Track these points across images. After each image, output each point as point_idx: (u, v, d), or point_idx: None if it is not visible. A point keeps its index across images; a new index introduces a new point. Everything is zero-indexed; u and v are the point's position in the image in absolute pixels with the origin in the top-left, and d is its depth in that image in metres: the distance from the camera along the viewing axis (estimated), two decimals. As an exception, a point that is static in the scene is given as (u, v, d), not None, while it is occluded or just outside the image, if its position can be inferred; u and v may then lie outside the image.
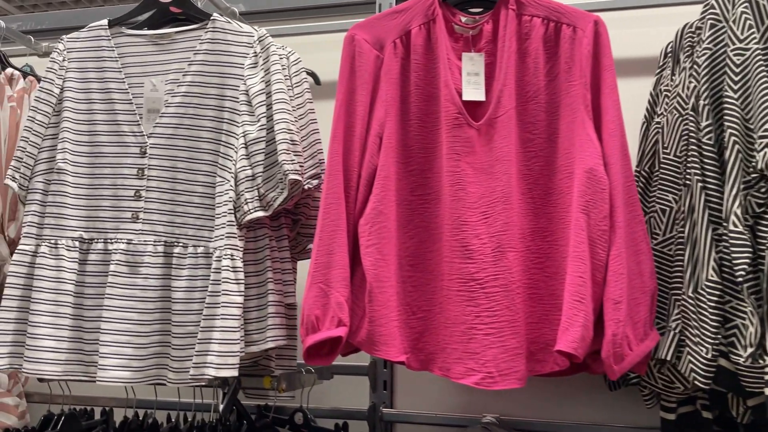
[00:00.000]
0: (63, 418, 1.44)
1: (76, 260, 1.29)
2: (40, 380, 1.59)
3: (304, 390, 1.48)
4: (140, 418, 1.52)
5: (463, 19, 1.25)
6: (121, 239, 1.29)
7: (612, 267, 1.07)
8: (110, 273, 1.26)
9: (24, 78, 1.63)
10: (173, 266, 1.27)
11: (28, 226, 1.29)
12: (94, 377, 1.27)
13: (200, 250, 1.27)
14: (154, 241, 1.28)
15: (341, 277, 1.13)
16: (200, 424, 1.42)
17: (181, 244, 1.28)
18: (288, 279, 1.32)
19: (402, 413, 1.60)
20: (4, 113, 1.49)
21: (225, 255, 1.21)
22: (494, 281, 1.11)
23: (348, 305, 1.12)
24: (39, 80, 1.67)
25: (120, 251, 1.27)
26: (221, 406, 1.25)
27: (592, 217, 1.08)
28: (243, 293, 1.21)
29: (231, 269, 1.20)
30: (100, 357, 1.23)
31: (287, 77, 1.31)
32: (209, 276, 1.25)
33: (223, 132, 1.29)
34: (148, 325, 1.25)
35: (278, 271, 1.29)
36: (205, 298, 1.24)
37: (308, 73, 1.49)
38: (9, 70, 1.61)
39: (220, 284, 1.20)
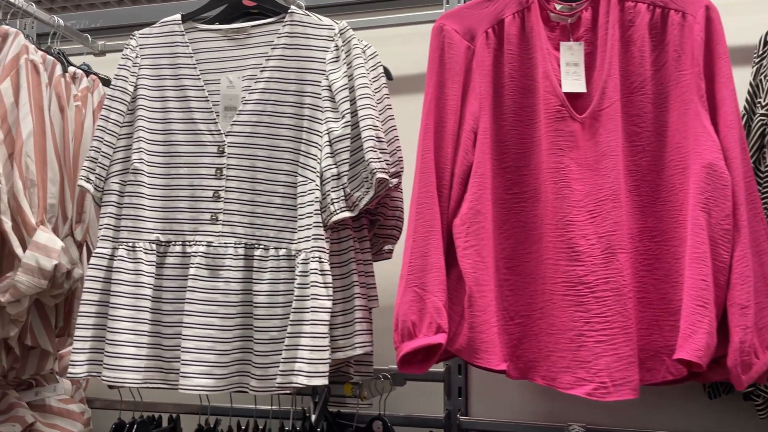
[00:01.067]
0: (136, 426, 1.40)
1: (154, 263, 1.24)
2: (111, 387, 1.56)
3: (381, 397, 1.43)
4: (211, 425, 1.48)
5: (558, 7, 1.18)
6: (200, 242, 1.24)
7: (737, 269, 0.99)
8: (190, 277, 1.22)
9: (86, 76, 1.60)
10: (254, 269, 1.22)
11: (105, 228, 1.25)
12: (174, 385, 1.22)
13: (282, 252, 1.22)
14: (235, 244, 1.23)
15: (438, 280, 1.07)
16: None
17: (262, 246, 1.23)
18: (371, 282, 1.26)
19: (480, 421, 1.53)
20: (71, 113, 1.45)
21: (312, 258, 1.15)
22: (605, 285, 1.04)
23: (446, 310, 1.06)
24: (101, 79, 1.64)
25: (200, 254, 1.23)
26: (313, 416, 1.20)
27: (713, 216, 1.01)
28: (332, 297, 1.15)
29: (319, 272, 1.15)
30: (182, 364, 1.18)
31: (369, 71, 1.25)
32: (292, 279, 1.19)
33: (304, 129, 1.23)
34: (230, 331, 1.20)
35: (362, 273, 1.23)
36: (288, 302, 1.19)
37: (381, 68, 1.44)
38: (71, 68, 1.58)
39: (308, 288, 1.14)
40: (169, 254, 1.25)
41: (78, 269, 1.40)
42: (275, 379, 1.18)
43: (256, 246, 1.23)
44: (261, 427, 1.50)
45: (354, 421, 1.38)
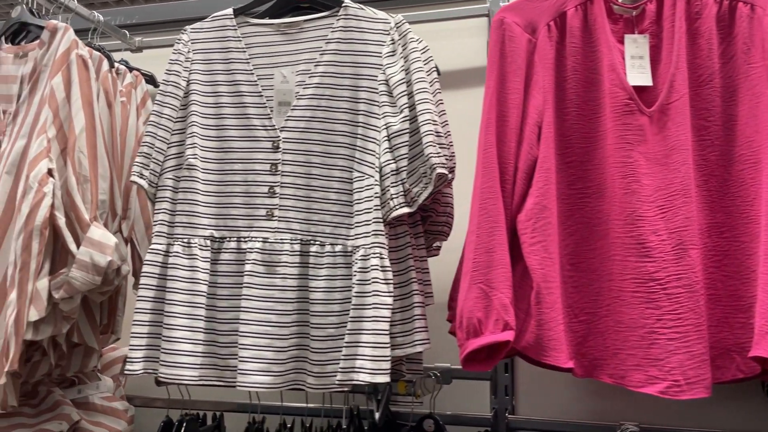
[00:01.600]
0: (185, 424, 1.39)
1: (209, 260, 1.23)
2: (159, 384, 1.55)
3: (429, 395, 1.41)
4: (255, 423, 1.47)
5: (620, -1, 1.16)
6: (255, 238, 1.22)
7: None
8: (246, 273, 1.20)
9: (129, 72, 1.59)
10: (310, 265, 1.21)
11: (159, 224, 1.24)
12: (231, 382, 1.21)
13: (338, 248, 1.20)
14: (291, 240, 1.22)
15: (504, 277, 1.05)
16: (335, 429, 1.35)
17: (318, 243, 1.21)
18: (426, 279, 1.25)
19: (530, 420, 1.52)
20: (117, 108, 1.44)
21: (373, 254, 1.14)
22: (677, 281, 1.02)
23: (512, 307, 1.05)
24: (143, 75, 1.63)
25: (256, 250, 1.21)
26: (377, 414, 1.18)
27: (789, 212, 0.99)
28: (392, 294, 1.14)
29: (380, 269, 1.13)
30: (240, 361, 1.17)
31: (424, 64, 1.23)
32: (349, 276, 1.18)
33: (360, 124, 1.22)
34: (287, 327, 1.19)
35: (419, 270, 1.22)
36: (345, 299, 1.18)
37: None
38: (115, 64, 1.57)
39: (369, 284, 1.13)
40: (223, 250, 1.24)
41: (125, 266, 1.39)
42: (333, 376, 1.17)
43: (312, 242, 1.22)
44: (307, 425, 1.50)
45: (409, 419, 1.36)
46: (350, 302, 1.17)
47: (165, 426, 1.43)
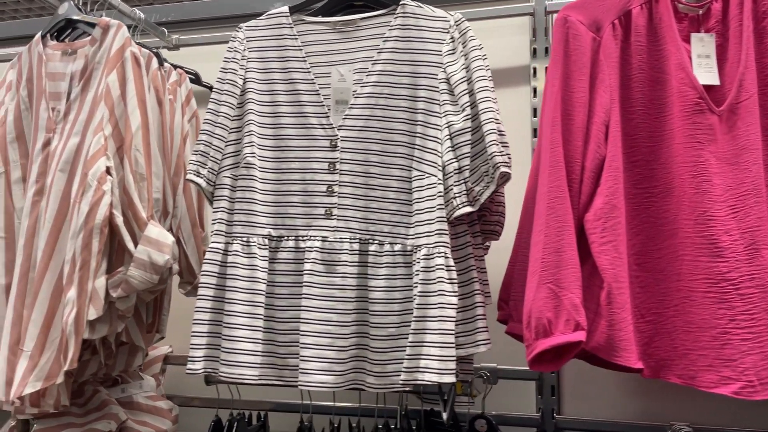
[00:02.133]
0: (236, 424, 1.39)
1: (267, 259, 1.23)
2: (208, 383, 1.54)
3: (481, 395, 1.41)
4: (304, 423, 1.46)
5: (684, -2, 1.16)
6: (314, 237, 1.22)
7: None
8: (306, 272, 1.20)
9: (174, 70, 1.58)
10: (369, 265, 1.20)
11: (218, 223, 1.23)
12: (290, 381, 1.21)
13: (397, 247, 1.20)
14: (350, 238, 1.21)
15: (574, 277, 1.05)
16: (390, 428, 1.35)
17: (376, 242, 1.21)
18: (485, 278, 1.25)
19: (578, 420, 1.51)
20: (166, 106, 1.44)
21: (438, 253, 1.13)
22: (749, 281, 1.02)
23: (583, 307, 1.04)
24: (188, 73, 1.62)
25: (315, 249, 1.21)
26: (444, 414, 1.18)
27: None
28: (457, 293, 1.13)
29: (445, 268, 1.12)
30: (302, 360, 1.17)
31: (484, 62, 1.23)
32: (409, 275, 1.18)
33: (419, 123, 1.21)
34: (347, 327, 1.18)
35: (479, 269, 1.21)
36: (405, 298, 1.17)
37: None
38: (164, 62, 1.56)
39: (433, 284, 1.12)
40: (281, 249, 1.24)
41: (175, 264, 1.38)
42: (395, 376, 1.16)
43: (371, 241, 1.21)
44: (354, 424, 1.49)
45: (461, 419, 1.35)
46: (410, 302, 1.17)
47: (215, 426, 1.42)
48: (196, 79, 1.65)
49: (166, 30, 1.86)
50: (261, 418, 1.55)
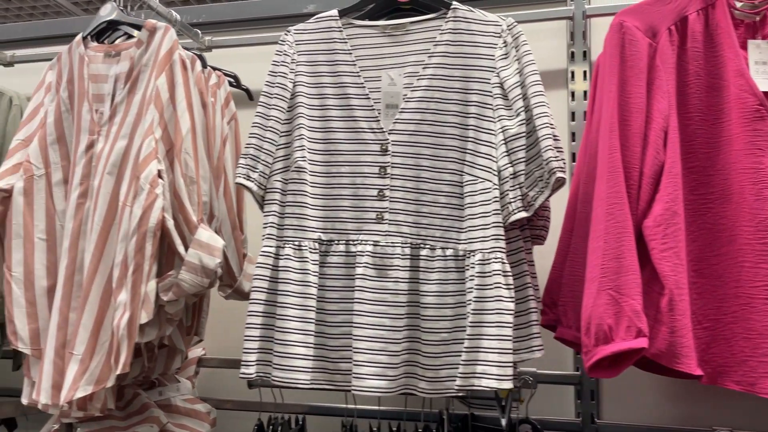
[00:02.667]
0: (280, 427, 1.38)
1: (317, 263, 1.22)
2: (251, 386, 1.54)
3: (525, 400, 1.41)
4: (348, 427, 1.46)
5: (739, 4, 1.15)
6: (366, 241, 1.22)
7: None
8: (357, 276, 1.20)
9: (213, 72, 1.57)
10: (421, 269, 1.20)
11: (270, 227, 1.23)
12: (341, 385, 1.21)
13: (449, 252, 1.19)
14: (402, 243, 1.21)
15: (635, 283, 1.04)
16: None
17: (428, 246, 1.20)
18: (536, 283, 1.24)
19: (619, 425, 1.51)
20: (210, 109, 1.43)
21: (494, 259, 1.13)
22: (812, 289, 1.02)
23: (644, 314, 1.04)
24: (227, 76, 1.62)
25: (367, 253, 1.20)
26: (503, 420, 1.17)
27: None
28: (514, 299, 1.13)
29: (502, 274, 1.12)
30: (355, 365, 1.16)
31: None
32: (461, 280, 1.18)
33: (470, 127, 1.21)
34: (399, 332, 1.18)
35: (531, 274, 1.21)
36: (457, 303, 1.17)
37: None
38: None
39: (490, 289, 1.12)
40: (331, 253, 1.23)
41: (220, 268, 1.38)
42: (447, 381, 1.17)
43: (422, 246, 1.21)
44: (395, 428, 1.49)
45: (500, 424, 1.35)
46: (463, 306, 1.17)
47: (258, 429, 1.42)
48: (235, 82, 1.64)
49: (199, 31, 1.86)
50: (299, 422, 1.55)
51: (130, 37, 1.49)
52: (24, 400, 1.39)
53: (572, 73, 1.65)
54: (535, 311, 1.18)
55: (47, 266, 1.40)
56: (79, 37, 1.47)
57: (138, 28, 1.40)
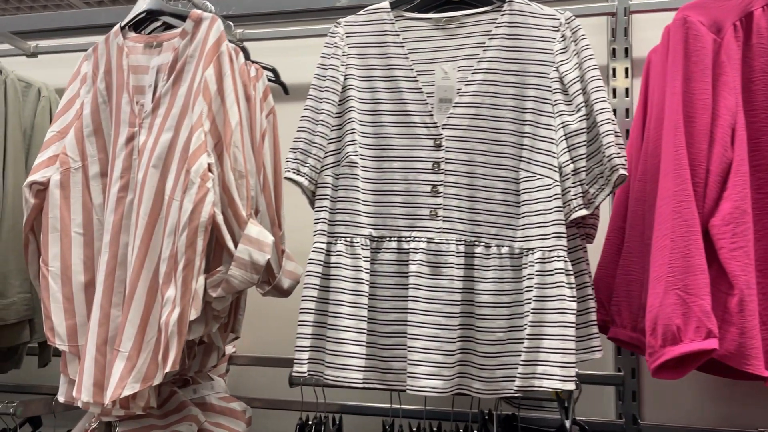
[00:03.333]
0: (323, 427, 1.36)
1: (369, 260, 1.20)
2: (292, 385, 1.51)
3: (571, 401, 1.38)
4: (387, 427, 1.44)
5: (803, 0, 1.13)
6: (419, 238, 1.19)
7: None
8: (411, 274, 1.17)
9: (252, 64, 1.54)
10: (475, 267, 1.18)
11: (321, 222, 1.20)
12: (393, 385, 1.18)
13: (504, 250, 1.17)
14: (456, 240, 1.18)
15: (704, 283, 1.02)
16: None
17: (483, 244, 1.18)
18: (591, 282, 1.22)
19: (664, 426, 1.49)
20: (252, 102, 1.40)
21: (557, 257, 1.11)
22: None
23: (713, 315, 1.02)
24: (265, 69, 1.59)
25: (421, 251, 1.18)
26: (567, 422, 1.15)
27: None
28: (576, 298, 1.11)
29: (564, 272, 1.10)
30: (410, 364, 1.14)
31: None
32: (517, 278, 1.15)
33: (527, 123, 1.19)
34: (454, 331, 1.16)
35: (589, 273, 1.19)
36: (513, 302, 1.15)
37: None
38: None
39: (552, 288, 1.09)
40: (383, 250, 1.21)
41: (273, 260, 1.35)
42: (503, 381, 1.14)
43: (477, 243, 1.18)
44: (435, 429, 1.47)
45: (556, 426, 1.33)
46: (519, 305, 1.14)
47: (300, 428, 1.39)
48: (274, 76, 1.61)
49: (231, 24, 1.82)
50: (336, 421, 1.52)
51: (169, 27, 1.46)
52: (60, 398, 1.36)
53: (614, 70, 1.63)
54: (593, 311, 1.15)
55: (84, 261, 1.36)
56: (117, 28, 1.44)
57: (181, 18, 1.37)
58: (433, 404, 1.49)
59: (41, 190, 1.40)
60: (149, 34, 1.46)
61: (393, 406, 1.46)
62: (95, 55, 1.46)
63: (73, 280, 1.35)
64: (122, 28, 1.43)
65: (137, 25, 1.46)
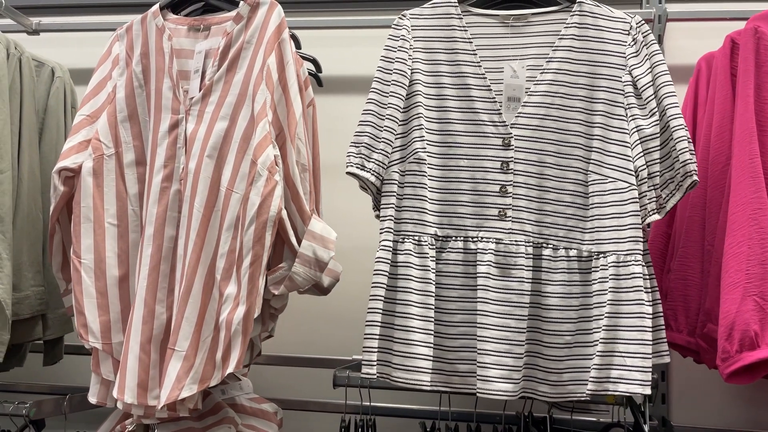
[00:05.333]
0: (369, 429, 1.32)
1: (434, 259, 1.17)
2: (336, 386, 1.46)
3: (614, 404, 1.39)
4: (428, 428, 1.41)
5: None
6: (487, 238, 1.17)
7: None
8: (480, 275, 1.15)
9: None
10: (543, 270, 1.17)
11: (388, 220, 1.17)
12: (457, 387, 1.17)
13: (572, 252, 1.16)
14: (525, 242, 1.17)
15: (781, 290, 1.04)
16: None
17: (551, 246, 1.17)
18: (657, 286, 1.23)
19: (695, 428, 1.52)
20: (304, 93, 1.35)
21: (634, 261, 1.10)
22: None
23: (790, 321, 1.04)
24: (304, 59, 1.53)
25: (490, 251, 1.16)
26: (646, 426, 1.15)
27: None
28: (652, 302, 1.11)
29: (642, 277, 1.10)
30: (481, 367, 1.12)
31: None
32: (586, 282, 1.15)
33: (596, 125, 1.18)
34: (522, 333, 1.14)
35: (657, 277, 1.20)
36: (582, 305, 1.15)
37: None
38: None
39: (629, 292, 1.09)
40: (448, 250, 1.18)
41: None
42: (571, 385, 1.14)
43: (545, 245, 1.17)
44: (473, 428, 1.45)
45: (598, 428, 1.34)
46: (587, 309, 1.14)
47: (345, 429, 1.36)
48: (315, 67, 1.55)
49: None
50: (369, 422, 1.49)
51: (209, 10, 1.39)
52: (92, 399, 1.28)
53: (648, 75, 1.65)
54: (661, 315, 1.16)
55: (119, 254, 1.29)
56: (155, 8, 1.36)
57: (234, 2, 1.30)
58: (461, 405, 1.47)
59: (70, 177, 1.31)
60: (187, 15, 1.39)
61: (430, 407, 1.44)
62: (129, 35, 1.38)
63: (107, 274, 1.27)
64: (161, 9, 1.36)
65: (175, 6, 1.39)
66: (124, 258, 1.29)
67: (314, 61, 1.58)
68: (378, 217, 1.24)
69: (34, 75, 1.58)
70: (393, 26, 1.25)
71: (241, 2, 1.27)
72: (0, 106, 1.39)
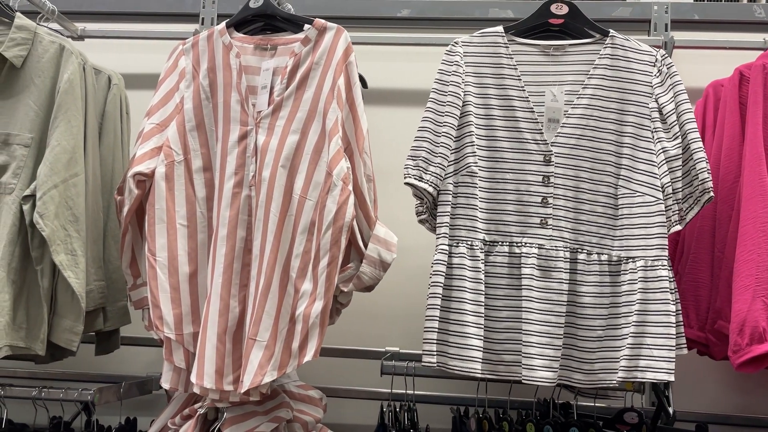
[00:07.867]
0: (406, 414, 1.47)
1: (483, 261, 1.32)
2: (384, 374, 1.60)
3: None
4: (461, 413, 1.56)
5: None
6: (530, 244, 1.33)
7: None
8: (524, 276, 1.31)
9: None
10: (578, 272, 1.33)
11: (443, 226, 1.32)
12: (503, 375, 1.32)
13: (604, 257, 1.33)
14: (563, 247, 1.33)
15: (785, 292, 1.22)
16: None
17: (585, 251, 1.33)
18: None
19: (696, 413, 1.69)
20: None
21: (661, 266, 1.27)
22: None
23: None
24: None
25: (533, 255, 1.32)
26: (671, 408, 1.32)
27: None
28: (675, 302, 1.28)
29: (668, 280, 1.27)
30: (526, 357, 1.28)
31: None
32: (615, 283, 1.32)
33: (625, 145, 1.35)
34: (561, 328, 1.31)
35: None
36: (612, 303, 1.32)
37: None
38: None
39: (655, 293, 1.26)
40: (495, 253, 1.34)
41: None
42: (601, 373, 1.30)
43: (579, 250, 1.34)
44: (501, 415, 1.61)
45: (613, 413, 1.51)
46: (616, 307, 1.31)
47: (383, 415, 1.50)
48: (362, 82, 1.68)
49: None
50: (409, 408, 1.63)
51: (269, 29, 1.50)
52: (165, 384, 1.40)
53: (656, 96, 1.83)
54: (681, 312, 1.33)
55: (188, 252, 1.41)
56: (222, 26, 1.48)
57: (298, 25, 1.43)
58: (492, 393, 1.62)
59: (142, 180, 1.42)
60: (247, 33, 1.51)
61: (464, 395, 1.59)
62: (195, 50, 1.49)
63: (179, 270, 1.39)
64: (227, 27, 1.48)
65: (238, 25, 1.51)
66: (194, 256, 1.41)
67: (361, 78, 1.72)
68: (423, 221, 1.40)
69: (95, 82, 1.68)
70: (446, 52, 1.40)
71: (308, 26, 1.40)
72: (75, 114, 1.49)
